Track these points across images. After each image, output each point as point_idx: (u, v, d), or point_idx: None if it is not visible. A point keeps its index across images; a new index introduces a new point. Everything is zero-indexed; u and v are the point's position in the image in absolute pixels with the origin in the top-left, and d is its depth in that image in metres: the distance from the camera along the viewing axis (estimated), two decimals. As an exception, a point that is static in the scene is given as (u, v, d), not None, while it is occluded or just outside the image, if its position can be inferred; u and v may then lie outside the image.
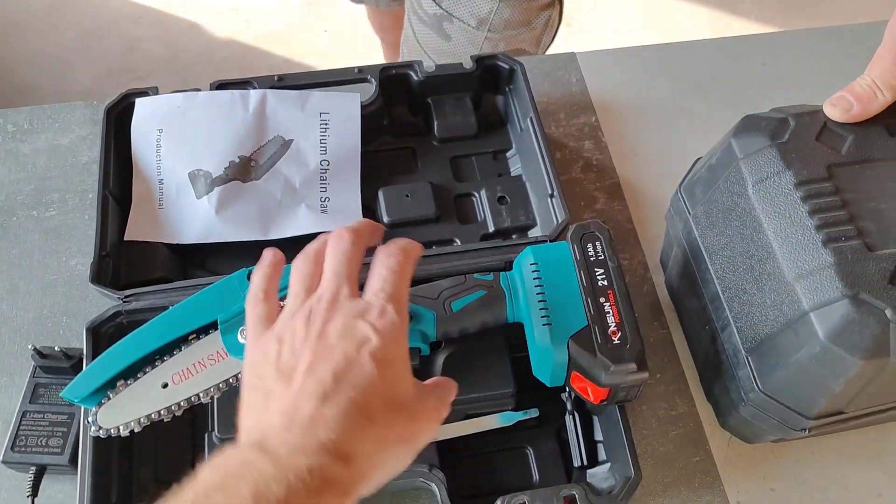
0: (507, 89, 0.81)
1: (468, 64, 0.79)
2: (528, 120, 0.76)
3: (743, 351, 0.57)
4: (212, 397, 0.57)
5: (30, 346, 0.62)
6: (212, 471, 0.40)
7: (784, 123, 0.56)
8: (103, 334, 0.63)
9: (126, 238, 0.71)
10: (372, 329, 0.46)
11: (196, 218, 0.71)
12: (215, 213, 0.71)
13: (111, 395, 0.56)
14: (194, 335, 0.58)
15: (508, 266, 0.68)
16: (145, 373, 0.57)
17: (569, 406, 0.65)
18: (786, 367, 0.53)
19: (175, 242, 0.71)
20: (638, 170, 0.82)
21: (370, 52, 1.71)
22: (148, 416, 0.56)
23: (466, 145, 0.81)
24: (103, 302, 0.65)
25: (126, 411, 0.56)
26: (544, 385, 0.67)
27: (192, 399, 0.57)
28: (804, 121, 0.56)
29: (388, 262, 0.49)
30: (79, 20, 2.12)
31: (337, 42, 2.08)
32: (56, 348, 0.62)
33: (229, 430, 0.61)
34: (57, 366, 0.63)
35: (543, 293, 0.56)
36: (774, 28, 2.13)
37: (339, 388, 0.43)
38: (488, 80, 0.81)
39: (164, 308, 0.64)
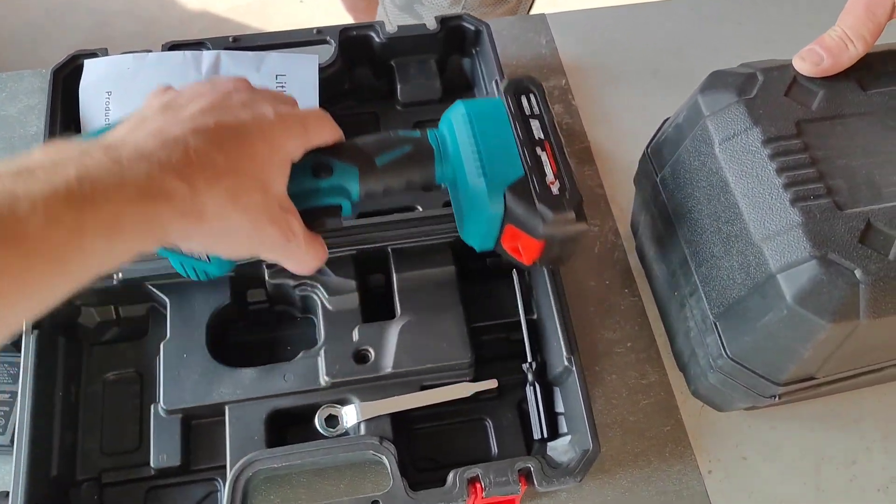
0: (473, 51, 0.78)
1: (432, 25, 0.76)
2: (494, 83, 0.73)
3: (711, 316, 0.55)
4: None
5: (-32, 323, 0.59)
6: (47, 151, 0.38)
7: (752, 79, 0.54)
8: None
9: None
10: (274, 112, 0.47)
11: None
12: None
13: None
14: None
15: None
16: None
17: (530, 377, 0.63)
18: (753, 331, 0.51)
19: None
20: (609, 134, 0.79)
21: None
22: None
23: (431, 110, 0.78)
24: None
25: None
26: (511, 355, 0.65)
27: None
28: (773, 75, 0.54)
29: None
30: (48, -7, 2.06)
31: (314, 13, 2.03)
32: (-6, 324, 0.59)
33: (175, 402, 0.59)
34: (-3, 342, 0.60)
35: (477, 143, 0.53)
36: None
37: (216, 131, 0.43)
38: (453, 41, 0.78)
39: (109, 277, 0.62)
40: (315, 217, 0.53)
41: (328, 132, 0.53)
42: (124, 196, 0.38)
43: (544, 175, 0.53)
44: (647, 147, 0.62)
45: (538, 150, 0.54)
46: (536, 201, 0.51)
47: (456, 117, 0.55)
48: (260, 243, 0.48)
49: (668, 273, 0.62)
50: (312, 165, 0.52)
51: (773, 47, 0.85)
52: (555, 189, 0.52)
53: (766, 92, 0.53)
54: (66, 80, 0.71)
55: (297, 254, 0.51)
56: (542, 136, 0.54)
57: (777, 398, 0.55)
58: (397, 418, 0.60)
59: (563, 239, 0.53)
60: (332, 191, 0.53)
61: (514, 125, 0.54)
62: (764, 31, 0.87)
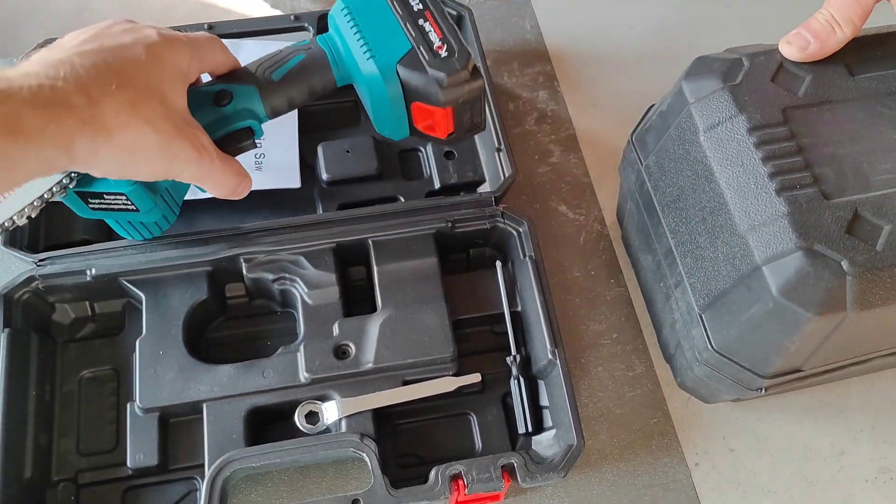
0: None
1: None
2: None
3: (696, 308, 0.54)
4: (29, 217, 0.51)
5: (-63, 323, 0.58)
6: None
7: (737, 64, 0.52)
8: (17, 301, 0.59)
9: None
10: (157, 32, 0.49)
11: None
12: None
13: None
14: None
15: (450, 225, 0.64)
16: None
17: (514, 370, 0.62)
18: (739, 324, 0.50)
19: None
20: (595, 120, 0.78)
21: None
22: None
23: (413, 97, 0.76)
24: (21, 269, 0.61)
25: None
26: (495, 347, 0.64)
27: (6, 224, 0.51)
28: (759, 61, 0.53)
29: None
30: (28, -22, 2.02)
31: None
32: (-37, 324, 0.58)
33: (152, 400, 0.58)
34: (-33, 342, 0.59)
35: (359, 31, 0.54)
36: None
37: (100, 52, 0.45)
38: (435, 27, 0.76)
39: (82, 272, 0.60)
40: (229, 144, 0.54)
41: (220, 55, 0.54)
42: (19, 98, 0.39)
43: (431, 43, 0.53)
44: (632, 134, 0.61)
45: (420, 21, 0.54)
46: (428, 69, 0.52)
47: (337, 14, 0.56)
48: (172, 157, 0.48)
49: (654, 264, 0.60)
50: (214, 96, 0.54)
51: (762, 30, 0.83)
52: (444, 52, 0.53)
53: (752, 78, 0.52)
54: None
55: (214, 172, 0.51)
56: (421, 7, 0.55)
57: (763, 391, 0.54)
58: (379, 414, 0.59)
59: (467, 100, 0.54)
60: (238, 115, 0.54)
61: (392, 3, 0.55)
62: (751, 13, 0.85)
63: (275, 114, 0.56)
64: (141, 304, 0.62)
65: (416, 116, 0.55)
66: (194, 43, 0.51)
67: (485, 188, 0.71)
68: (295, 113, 0.71)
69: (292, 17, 0.73)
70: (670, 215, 0.56)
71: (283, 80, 0.55)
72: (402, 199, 0.70)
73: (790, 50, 0.52)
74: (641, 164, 0.59)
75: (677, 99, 0.54)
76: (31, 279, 0.60)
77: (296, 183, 0.69)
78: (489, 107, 0.69)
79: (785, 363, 0.51)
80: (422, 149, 0.73)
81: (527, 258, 0.63)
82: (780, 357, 0.50)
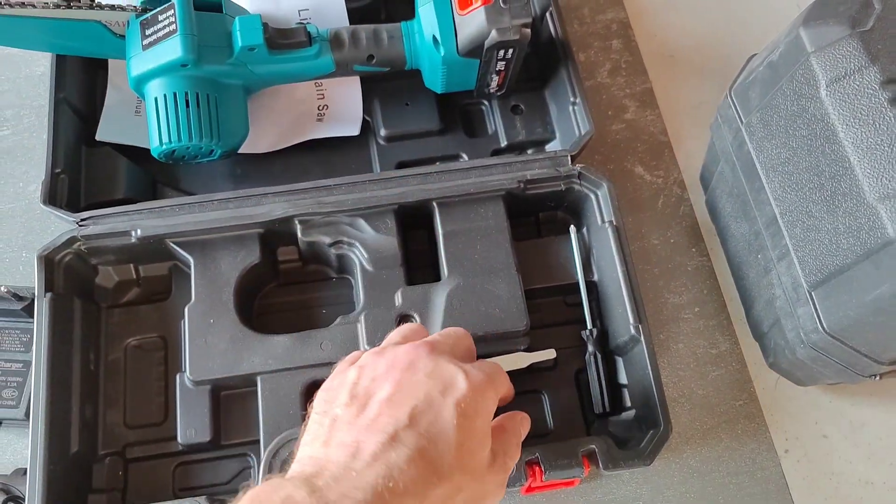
0: (523, -22, 0.70)
1: (478, -52, 0.68)
2: (549, 15, 0.65)
3: (805, 285, 0.48)
4: None
5: (-24, 288, 0.54)
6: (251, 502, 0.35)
7: (868, 6, 0.46)
8: (58, 263, 0.55)
9: (98, 137, 0.62)
10: (463, 375, 0.40)
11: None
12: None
13: None
14: None
15: (522, 186, 0.59)
16: None
17: (590, 346, 0.57)
18: (861, 305, 0.44)
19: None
20: (674, 73, 0.71)
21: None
22: None
23: (476, 46, 0.70)
24: (62, 229, 0.56)
25: None
26: (567, 320, 0.59)
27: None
28: (893, 3, 0.46)
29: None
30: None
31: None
32: (2, 288, 0.54)
33: (203, 373, 0.54)
34: (7, 308, 0.55)
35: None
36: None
37: (412, 430, 0.38)
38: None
39: (126, 233, 0.56)
40: None
41: (506, 385, 0.45)
42: None
43: None
44: (730, 88, 0.55)
45: None
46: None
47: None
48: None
49: (751, 233, 0.55)
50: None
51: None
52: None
53: (885, 23, 0.45)
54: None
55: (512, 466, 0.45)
56: None
57: (878, 377, 0.49)
58: (444, 391, 0.55)
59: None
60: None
61: None
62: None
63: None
64: (189, 268, 0.57)
65: None
66: (494, 381, 0.42)
67: (555, 146, 0.65)
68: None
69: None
70: (776, 180, 0.50)
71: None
72: (466, 157, 0.65)
73: (929, -8, 0.45)
74: (741, 122, 0.53)
75: (792, 47, 0.48)
76: (72, 240, 0.56)
77: (356, 131, 0.64)
78: (563, 57, 0.63)
79: (909, 349, 0.46)
80: (486, 103, 0.67)
81: (606, 224, 0.57)
82: (907, 342, 0.45)
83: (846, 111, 0.44)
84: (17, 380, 0.54)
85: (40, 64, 0.69)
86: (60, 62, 0.62)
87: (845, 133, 0.44)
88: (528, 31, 0.56)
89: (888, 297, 0.42)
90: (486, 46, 0.57)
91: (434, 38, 0.57)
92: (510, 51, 0.57)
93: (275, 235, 0.59)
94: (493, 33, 0.56)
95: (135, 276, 0.60)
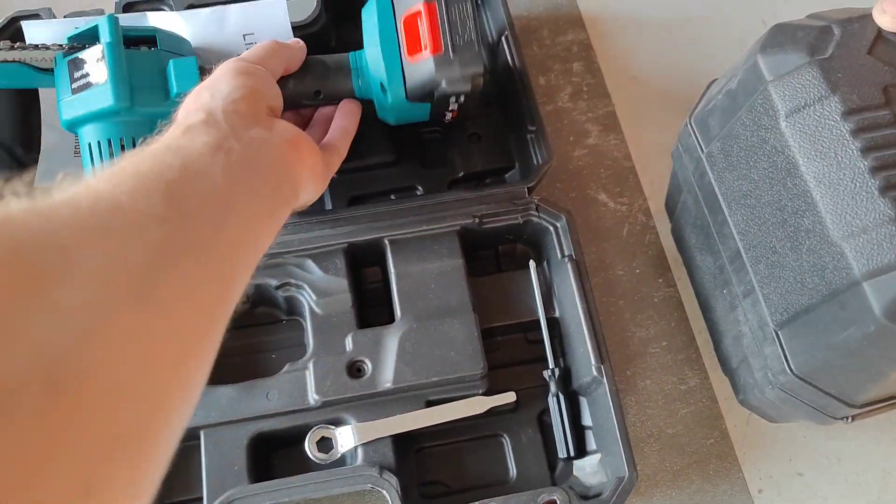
0: (477, 2, 0.67)
1: (431, -28, 0.65)
2: (504, 39, 0.63)
3: (771, 324, 0.46)
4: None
5: None
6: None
7: (826, 33, 0.44)
8: None
9: (36, 185, 0.59)
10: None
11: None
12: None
13: None
14: None
15: (477, 221, 0.56)
16: None
17: (552, 387, 0.55)
18: (827, 347, 0.42)
19: None
20: (637, 95, 0.69)
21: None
22: None
23: (432, 70, 0.67)
24: None
25: None
26: (528, 359, 0.57)
27: None
28: (852, 29, 0.43)
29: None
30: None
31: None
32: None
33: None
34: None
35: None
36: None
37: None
38: (456, -10, 0.67)
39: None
40: None
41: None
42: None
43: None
44: (690, 116, 0.52)
45: None
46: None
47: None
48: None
49: (716, 267, 0.52)
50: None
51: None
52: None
53: (845, 50, 0.43)
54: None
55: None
56: None
57: (850, 420, 0.46)
58: (399, 438, 0.52)
59: None
60: None
61: None
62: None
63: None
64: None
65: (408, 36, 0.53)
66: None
67: (514, 175, 0.63)
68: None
69: (294, -17, 0.64)
70: (738, 213, 0.48)
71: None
72: (421, 189, 0.62)
73: (885, 20, 0.43)
74: (702, 151, 0.51)
75: (750, 75, 0.46)
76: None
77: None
78: (520, 83, 0.60)
79: (881, 391, 0.44)
80: (441, 130, 0.65)
81: (565, 258, 0.55)
82: (878, 385, 0.42)
83: (807, 143, 0.42)
84: None
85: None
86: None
87: (807, 167, 0.42)
88: (481, 80, 0.53)
89: (856, 339, 0.40)
90: (435, 96, 0.54)
91: (381, 84, 0.54)
92: (462, 97, 0.54)
93: (219, 278, 0.56)
94: (443, 84, 0.52)
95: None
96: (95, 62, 0.51)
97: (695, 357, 0.59)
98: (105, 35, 0.52)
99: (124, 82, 0.51)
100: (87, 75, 0.52)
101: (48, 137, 0.61)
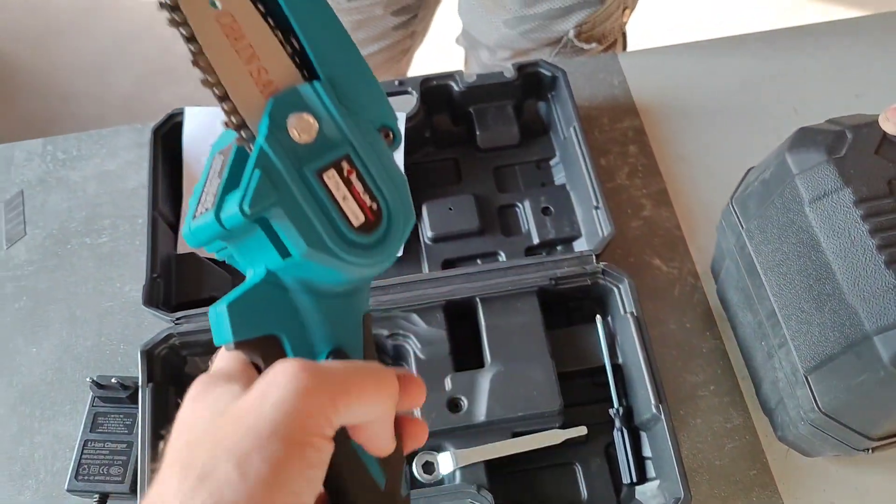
0: (549, 95, 0.80)
1: (509, 73, 0.78)
2: (572, 129, 0.75)
3: (802, 370, 0.56)
4: None
5: (88, 378, 0.64)
6: None
7: (841, 137, 0.55)
8: (156, 357, 0.65)
9: (178, 251, 0.72)
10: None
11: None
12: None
13: None
14: None
15: (553, 283, 0.67)
16: None
17: (617, 422, 0.65)
18: (847, 389, 0.52)
19: None
20: (686, 174, 0.80)
21: (436, 56, 1.52)
22: None
23: (509, 154, 0.80)
24: (158, 326, 0.66)
25: None
26: (596, 399, 0.67)
27: None
28: (862, 133, 0.55)
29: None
30: (114, 24, 2.14)
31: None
32: (113, 380, 0.63)
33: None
34: (114, 396, 0.64)
35: None
36: (817, 15, 2.07)
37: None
38: (530, 87, 0.80)
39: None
40: None
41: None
42: None
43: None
44: (731, 198, 0.64)
45: None
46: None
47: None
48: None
49: (755, 322, 0.63)
50: None
51: (848, 78, 0.86)
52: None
53: (856, 150, 0.54)
54: (164, 137, 0.75)
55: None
56: None
57: (870, 451, 0.56)
58: (490, 463, 0.63)
59: None
60: None
61: None
62: (838, 62, 0.87)
63: None
64: (266, 358, 0.66)
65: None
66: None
67: (581, 243, 0.74)
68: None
69: (397, 83, 0.77)
70: (773, 278, 0.58)
71: None
72: (503, 255, 0.74)
73: (890, 126, 0.54)
74: (742, 228, 0.62)
75: (780, 169, 0.57)
76: (169, 336, 0.65)
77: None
78: (586, 167, 0.72)
79: (893, 426, 0.53)
80: (519, 205, 0.77)
81: (628, 314, 0.66)
82: (891, 421, 0.52)
83: (826, 225, 0.53)
84: (122, 458, 0.63)
85: (132, 179, 0.80)
86: (154, 180, 0.72)
87: (827, 243, 0.53)
88: None
89: (870, 383, 0.50)
90: None
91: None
92: None
93: (339, 328, 0.67)
94: None
95: (218, 365, 0.69)
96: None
97: (738, 400, 0.69)
98: None
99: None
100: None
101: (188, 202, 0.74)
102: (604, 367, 0.67)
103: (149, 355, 0.64)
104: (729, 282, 0.67)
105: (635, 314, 0.65)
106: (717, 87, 0.86)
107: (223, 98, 0.33)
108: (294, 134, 0.33)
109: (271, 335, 0.34)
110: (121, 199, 0.79)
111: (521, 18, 0.92)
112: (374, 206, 0.34)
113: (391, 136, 0.36)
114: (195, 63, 0.33)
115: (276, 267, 0.34)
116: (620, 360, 0.68)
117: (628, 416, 0.66)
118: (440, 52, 1.41)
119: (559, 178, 0.79)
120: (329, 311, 0.35)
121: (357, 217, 0.34)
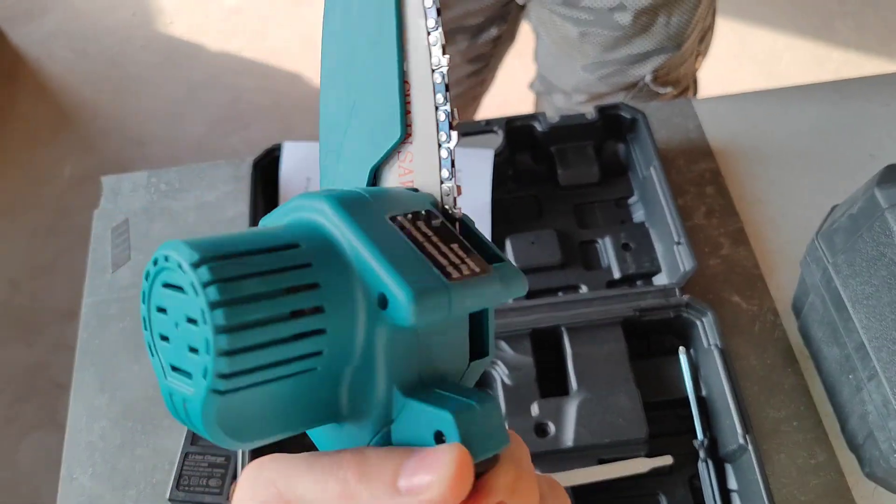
0: (627, 137, 0.83)
1: (590, 115, 0.81)
2: (651, 168, 0.78)
3: (893, 401, 0.57)
4: None
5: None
6: None
7: (931, 172, 0.56)
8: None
9: None
10: None
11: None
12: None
13: None
14: None
15: (638, 314, 0.69)
16: None
17: (702, 454, 0.66)
18: (944, 419, 0.53)
19: None
20: (763, 214, 0.82)
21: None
22: None
23: (589, 192, 0.83)
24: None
25: None
26: (678, 430, 0.68)
27: None
28: (952, 170, 0.56)
29: None
30: (187, 74, 2.25)
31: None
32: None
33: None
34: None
35: None
36: (874, 56, 2.08)
37: None
38: (610, 128, 0.83)
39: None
40: None
41: None
42: None
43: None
44: (817, 234, 0.65)
45: None
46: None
47: None
48: None
49: (842, 356, 0.64)
50: None
51: (924, 128, 0.87)
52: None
53: (947, 186, 0.55)
54: (263, 169, 0.80)
55: None
56: None
57: (966, 485, 0.56)
58: (575, 490, 0.64)
59: None
60: None
61: None
62: (911, 111, 0.89)
63: None
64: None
65: None
66: None
67: (661, 277, 0.76)
68: (488, 215, 0.79)
69: (484, 123, 0.81)
70: (862, 311, 0.60)
71: None
72: (584, 287, 0.76)
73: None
74: (828, 262, 0.63)
75: (869, 204, 0.58)
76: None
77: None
78: (667, 204, 0.75)
79: None
80: (599, 241, 0.79)
81: (712, 346, 0.67)
82: None
83: (919, 257, 0.54)
84: (221, 471, 0.66)
85: (229, 209, 0.85)
86: (254, 211, 0.77)
87: (920, 275, 0.54)
88: None
89: (968, 412, 0.51)
90: None
91: None
92: None
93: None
94: None
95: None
96: None
97: (822, 436, 0.69)
98: None
99: None
100: None
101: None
102: (686, 398, 0.68)
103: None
104: (813, 317, 0.68)
105: (720, 347, 0.67)
106: (791, 133, 0.88)
107: None
108: None
109: None
110: (219, 228, 0.84)
111: (600, 63, 0.96)
112: None
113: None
114: None
115: None
116: (704, 393, 0.69)
117: (712, 448, 0.66)
118: (497, 96, 1.46)
119: (637, 215, 0.81)
120: None
121: None
